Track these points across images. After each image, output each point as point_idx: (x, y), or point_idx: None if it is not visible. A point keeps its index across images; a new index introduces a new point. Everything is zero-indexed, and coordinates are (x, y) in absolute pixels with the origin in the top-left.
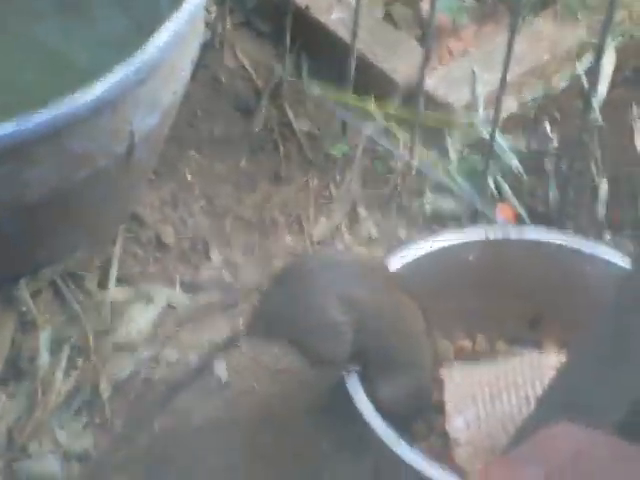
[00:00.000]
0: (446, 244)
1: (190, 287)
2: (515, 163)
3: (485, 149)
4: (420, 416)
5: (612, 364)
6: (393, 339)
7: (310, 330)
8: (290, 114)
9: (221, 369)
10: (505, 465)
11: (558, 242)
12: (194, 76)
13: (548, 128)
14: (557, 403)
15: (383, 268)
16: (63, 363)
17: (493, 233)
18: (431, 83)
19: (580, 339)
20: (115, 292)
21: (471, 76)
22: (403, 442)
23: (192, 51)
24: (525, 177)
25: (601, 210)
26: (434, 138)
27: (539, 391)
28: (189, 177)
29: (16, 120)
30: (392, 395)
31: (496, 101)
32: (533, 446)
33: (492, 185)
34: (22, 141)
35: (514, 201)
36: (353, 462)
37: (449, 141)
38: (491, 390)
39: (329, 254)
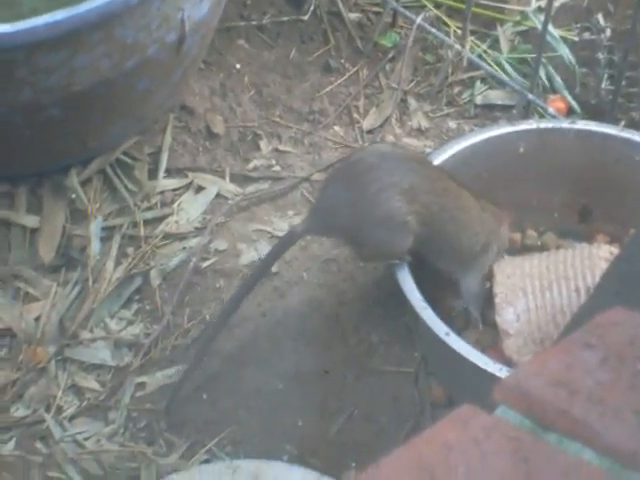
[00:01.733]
0: (496, 134)
1: (240, 177)
2: (567, 54)
3: (537, 40)
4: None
5: None
6: (454, 228)
7: (375, 225)
8: (340, 3)
9: None
10: (561, 349)
11: (608, 132)
12: None
13: (601, 19)
14: (613, 291)
15: (431, 161)
16: (114, 252)
17: (544, 124)
18: None
19: (637, 226)
20: (165, 181)
21: None
22: (452, 332)
23: None
24: (577, 68)
25: None
26: (485, 28)
27: (590, 283)
28: (238, 66)
29: (68, 7)
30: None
31: None
32: (590, 331)
33: (544, 76)
34: (73, 28)
35: (565, 93)
36: (401, 352)
37: (500, 31)
38: (541, 282)
39: (383, 148)
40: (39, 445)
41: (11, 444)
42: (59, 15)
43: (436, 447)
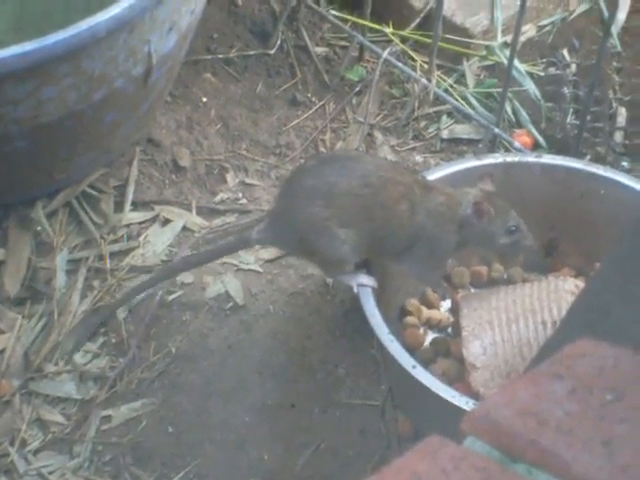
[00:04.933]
0: (463, 167)
1: (206, 210)
2: (533, 89)
3: (503, 74)
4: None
5: (636, 280)
6: (386, 227)
7: (305, 232)
8: (307, 38)
9: (237, 292)
10: (530, 380)
11: (574, 166)
12: None
13: (566, 54)
14: (580, 322)
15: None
16: (79, 285)
17: (510, 158)
18: (449, 8)
19: (604, 258)
20: (131, 214)
21: (489, 1)
22: (419, 365)
23: None
24: (543, 103)
25: (619, 137)
26: (452, 63)
27: (556, 316)
28: (205, 100)
29: (36, 40)
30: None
31: (515, 25)
32: (558, 362)
33: (510, 111)
34: (41, 60)
35: (531, 127)
36: (368, 385)
37: (466, 66)
38: (508, 315)
39: (323, 155)
40: (3, 479)
41: None
42: (27, 47)
43: (405, 477)
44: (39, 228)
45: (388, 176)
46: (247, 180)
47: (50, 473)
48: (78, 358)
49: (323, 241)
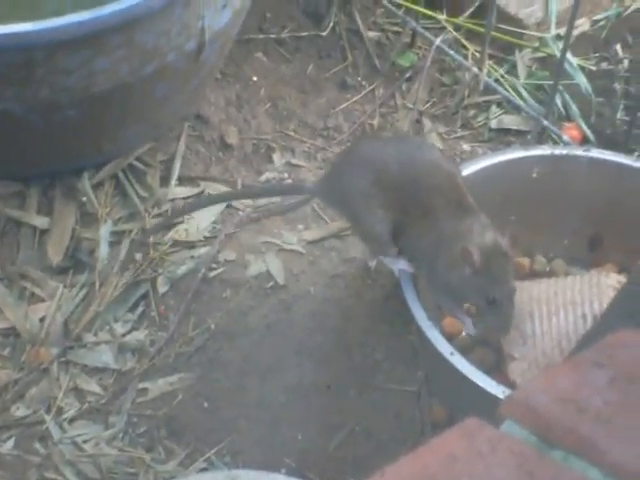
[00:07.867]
0: (510, 158)
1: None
2: (584, 83)
3: (554, 67)
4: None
5: None
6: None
7: (348, 199)
8: (359, 22)
9: (279, 272)
10: (570, 368)
11: (622, 162)
12: None
13: (619, 50)
14: (623, 313)
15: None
16: (122, 257)
17: (558, 150)
18: None
19: None
20: (177, 189)
21: None
22: (457, 352)
23: None
24: (593, 98)
25: None
26: (503, 53)
27: (597, 310)
28: (255, 79)
29: (92, 10)
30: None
31: (569, 18)
32: (599, 351)
33: (560, 104)
34: (96, 30)
35: (581, 121)
36: (404, 370)
37: (518, 57)
38: (548, 307)
39: (389, 135)
40: (38, 445)
41: (10, 443)
42: (82, 16)
43: (441, 457)
44: (84, 199)
45: (439, 182)
46: (293, 161)
47: (84, 442)
48: (117, 329)
49: (363, 215)
